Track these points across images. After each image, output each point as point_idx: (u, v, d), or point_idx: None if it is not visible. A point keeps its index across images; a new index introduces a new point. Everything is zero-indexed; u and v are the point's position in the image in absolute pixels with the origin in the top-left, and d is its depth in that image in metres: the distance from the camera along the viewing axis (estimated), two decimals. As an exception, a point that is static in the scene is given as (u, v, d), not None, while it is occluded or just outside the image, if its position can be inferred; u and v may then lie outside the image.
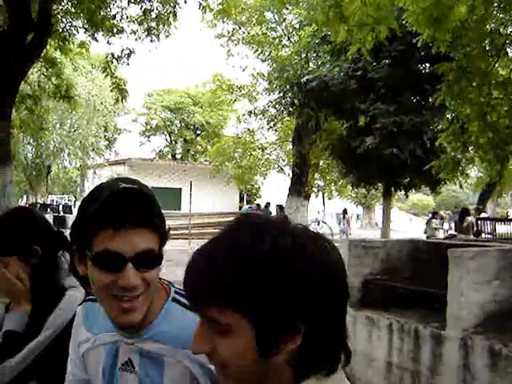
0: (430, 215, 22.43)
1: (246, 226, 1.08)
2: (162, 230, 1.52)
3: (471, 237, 14.59)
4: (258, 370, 1.05)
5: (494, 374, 4.44)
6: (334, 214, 43.35)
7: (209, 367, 1.44)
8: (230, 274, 1.01)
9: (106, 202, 1.44)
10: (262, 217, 1.11)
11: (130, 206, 1.43)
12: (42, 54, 13.38)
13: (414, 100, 15.95)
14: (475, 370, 4.58)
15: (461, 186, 16.27)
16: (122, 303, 1.45)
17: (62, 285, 2.23)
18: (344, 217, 29.15)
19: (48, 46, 13.62)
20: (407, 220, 58.20)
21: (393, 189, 18.49)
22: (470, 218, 15.76)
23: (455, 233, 16.65)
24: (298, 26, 22.39)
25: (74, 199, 45.51)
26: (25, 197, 44.62)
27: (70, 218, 23.48)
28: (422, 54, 14.77)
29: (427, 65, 15.75)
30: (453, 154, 11.02)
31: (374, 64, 14.97)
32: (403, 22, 9.28)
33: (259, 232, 1.04)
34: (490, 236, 16.12)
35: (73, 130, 36.99)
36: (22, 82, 12.62)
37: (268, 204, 27.85)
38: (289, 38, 22.78)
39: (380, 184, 18.73)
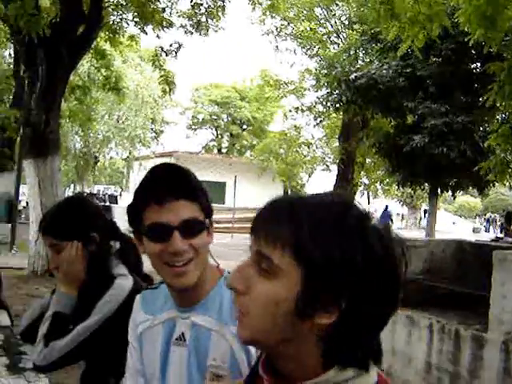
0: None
1: (341, 197, 1.09)
2: (204, 201, 1.70)
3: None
4: (284, 329, 1.02)
5: (536, 379, 4.36)
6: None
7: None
8: (308, 224, 1.00)
9: (146, 180, 1.70)
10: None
11: (167, 181, 1.64)
12: (93, 46, 13.59)
13: (464, 99, 15.68)
14: (517, 375, 4.50)
15: (511, 188, 15.94)
16: (174, 268, 1.63)
17: (112, 273, 2.31)
18: (424, 215, 29.22)
19: (98, 38, 13.83)
20: (451, 222, 57.26)
21: (439, 189, 18.24)
22: (518, 222, 15.45)
23: (501, 235, 16.33)
24: (347, 22, 22.25)
25: (120, 190, 46.14)
26: (72, 186, 45.42)
27: (116, 208, 23.84)
28: (474, 52, 14.52)
29: (478, 64, 15.48)
30: (502, 155, 10.83)
31: (424, 62, 14.76)
32: (455, 20, 9.14)
33: (353, 206, 1.06)
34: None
35: (121, 121, 37.50)
36: (72, 73, 12.84)
37: None
38: (337, 34, 22.63)
39: (426, 184, 18.49)
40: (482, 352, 4.84)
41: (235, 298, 1.08)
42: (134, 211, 1.71)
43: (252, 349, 1.56)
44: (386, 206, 33.95)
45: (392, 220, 25.69)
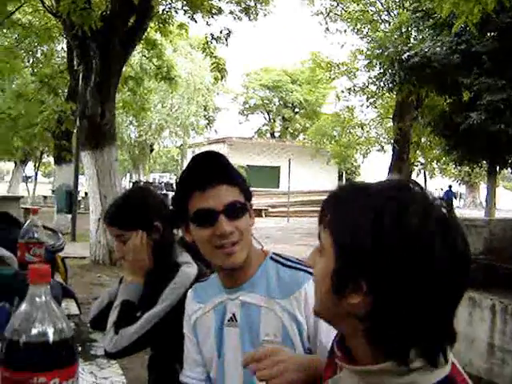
0: None
1: (385, 182, 1.13)
2: (243, 184, 1.80)
3: None
4: (330, 304, 1.11)
5: None
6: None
7: (294, 314, 1.69)
8: (340, 208, 1.11)
9: (187, 170, 1.82)
10: (420, 190, 1.08)
11: (207, 168, 1.75)
12: (143, 37, 13.72)
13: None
14: None
15: None
16: (223, 249, 1.72)
17: (176, 261, 2.37)
18: None
19: (148, 29, 13.95)
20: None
21: (498, 167, 17.85)
22: None
23: None
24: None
25: (174, 177, 46.68)
26: (128, 175, 46.15)
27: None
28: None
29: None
30: None
31: (480, 37, 14.40)
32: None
33: (400, 188, 1.08)
34: None
35: (174, 109, 37.86)
36: (125, 65, 13.01)
37: None
38: (388, 12, 22.27)
39: (485, 162, 18.11)
40: (547, 332, 4.76)
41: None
42: (179, 201, 1.82)
43: (301, 319, 1.68)
44: (450, 187, 33.70)
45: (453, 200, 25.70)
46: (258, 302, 1.74)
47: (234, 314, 1.78)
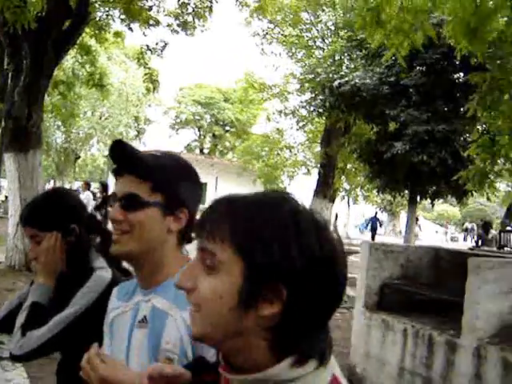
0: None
1: (277, 193, 1.13)
2: (163, 184, 1.77)
3: (494, 249, 14.48)
4: (230, 322, 1.05)
5: (506, 385, 4.42)
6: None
7: (190, 327, 1.59)
8: (244, 218, 1.05)
9: (109, 156, 1.85)
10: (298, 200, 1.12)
11: (118, 158, 1.79)
12: (78, 42, 13.54)
13: (446, 108, 15.81)
14: (487, 380, 4.56)
15: (488, 199, 16.04)
16: (113, 235, 1.77)
17: (91, 265, 2.33)
18: (416, 222, 29.91)
19: (84, 34, 13.79)
20: (432, 230, 57.61)
21: (419, 197, 18.34)
22: (494, 231, 15.66)
23: (475, 245, 16.51)
24: (333, 28, 22.35)
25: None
26: (51, 181, 45.10)
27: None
28: (457, 62, 14.66)
29: (461, 74, 15.62)
30: (481, 165, 10.89)
31: (408, 71, 14.88)
32: (440, 30, 9.23)
33: (289, 200, 1.09)
34: (513, 250, 15.95)
35: (103, 118, 37.37)
36: (57, 68, 12.78)
37: None
38: (323, 39, 22.72)
39: (406, 191, 18.60)
40: (455, 357, 4.91)
41: (186, 297, 1.13)
42: None
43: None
44: (376, 213, 34.96)
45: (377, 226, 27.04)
46: (166, 309, 1.73)
47: (145, 316, 1.78)
